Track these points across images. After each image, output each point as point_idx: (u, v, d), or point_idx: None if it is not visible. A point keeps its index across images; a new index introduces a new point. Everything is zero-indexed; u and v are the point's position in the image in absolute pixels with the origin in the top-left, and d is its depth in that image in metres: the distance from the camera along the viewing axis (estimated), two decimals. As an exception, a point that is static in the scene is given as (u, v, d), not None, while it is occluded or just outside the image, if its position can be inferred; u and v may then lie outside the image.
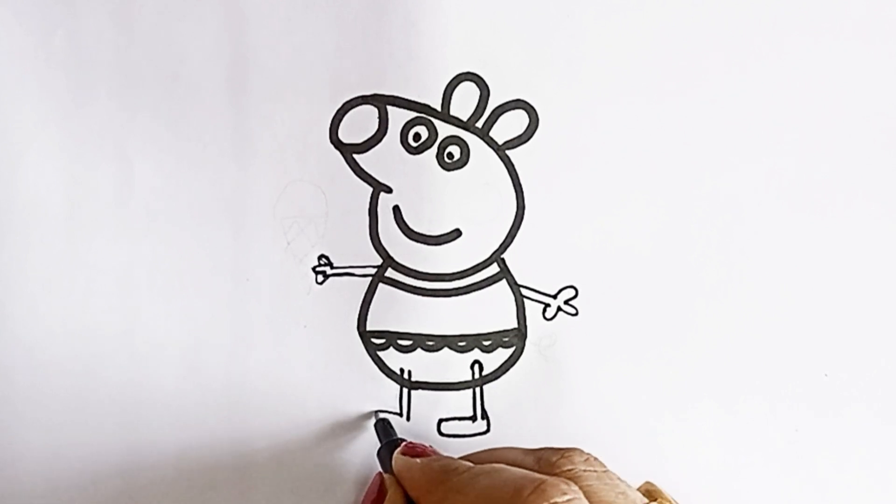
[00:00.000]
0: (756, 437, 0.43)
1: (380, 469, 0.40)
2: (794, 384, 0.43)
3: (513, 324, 0.43)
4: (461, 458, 0.38)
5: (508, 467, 0.34)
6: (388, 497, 0.38)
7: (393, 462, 0.39)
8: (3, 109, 0.41)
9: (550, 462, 0.36)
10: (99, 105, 0.42)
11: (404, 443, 0.39)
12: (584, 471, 0.35)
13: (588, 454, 0.36)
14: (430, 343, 0.42)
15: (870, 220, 0.43)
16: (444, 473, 0.35)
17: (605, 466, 0.36)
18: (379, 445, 0.41)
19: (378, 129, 0.42)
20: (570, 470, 0.35)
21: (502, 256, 0.43)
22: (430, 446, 0.39)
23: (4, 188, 0.42)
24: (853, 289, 0.43)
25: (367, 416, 0.42)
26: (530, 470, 0.34)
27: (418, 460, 0.37)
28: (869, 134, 0.43)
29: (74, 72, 0.41)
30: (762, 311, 0.43)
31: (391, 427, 0.41)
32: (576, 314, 0.43)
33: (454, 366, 0.43)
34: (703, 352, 0.43)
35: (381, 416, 0.42)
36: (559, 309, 0.43)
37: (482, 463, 0.36)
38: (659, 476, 0.39)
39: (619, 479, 0.35)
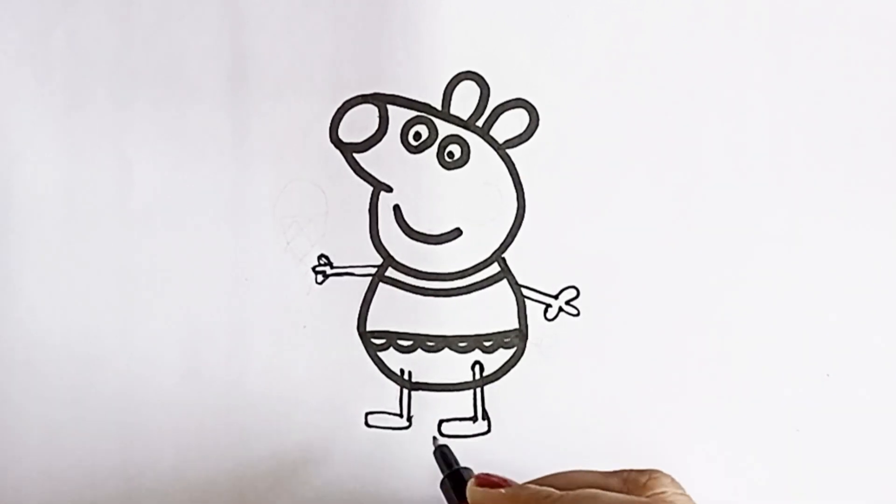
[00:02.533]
0: (757, 437, 0.43)
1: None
2: (795, 384, 0.43)
3: (514, 324, 0.43)
4: (532, 482, 0.37)
5: (605, 493, 0.34)
6: None
7: (469, 495, 0.37)
8: (2, 108, 0.41)
9: (639, 483, 0.35)
10: (98, 104, 0.42)
11: (477, 475, 0.38)
12: (676, 493, 0.35)
13: (670, 475, 0.36)
14: (431, 343, 0.42)
15: (871, 220, 0.43)
16: (537, 502, 0.35)
17: (684, 489, 0.36)
18: (441, 476, 0.40)
19: (378, 129, 0.42)
20: (662, 493, 0.35)
21: (503, 256, 0.42)
22: (504, 477, 0.38)
23: (3, 188, 0.41)
24: (855, 289, 0.43)
25: (366, 416, 0.42)
26: (617, 492, 0.34)
27: (502, 490, 0.36)
28: (871, 135, 0.43)
29: (73, 71, 0.42)
30: (764, 311, 0.43)
31: (452, 454, 0.40)
32: (577, 315, 0.43)
33: (455, 366, 0.42)
34: (705, 352, 0.43)
35: (441, 443, 0.41)
36: (560, 309, 0.43)
37: (559, 487, 0.35)
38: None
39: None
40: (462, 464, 0.40)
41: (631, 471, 0.37)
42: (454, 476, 0.39)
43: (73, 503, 0.41)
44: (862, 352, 0.43)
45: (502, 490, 0.36)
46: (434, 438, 0.42)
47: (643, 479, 0.36)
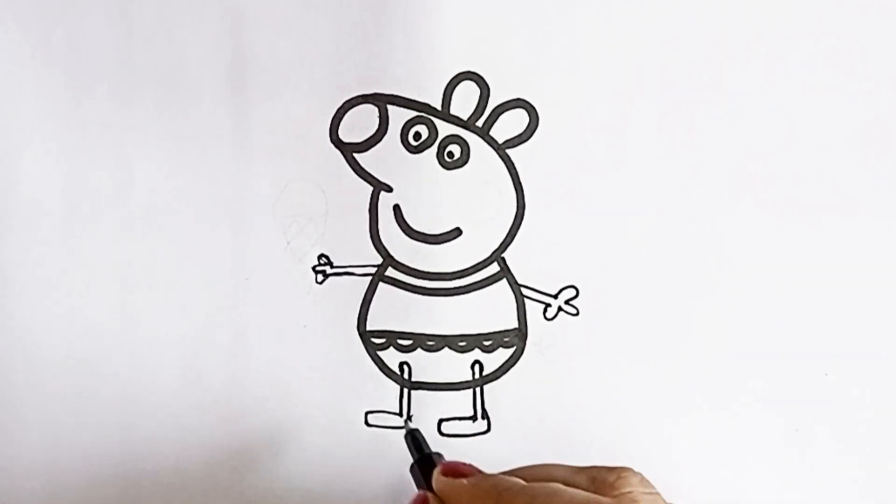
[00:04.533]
0: (756, 437, 0.43)
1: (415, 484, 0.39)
2: (794, 384, 0.43)
3: (513, 324, 0.43)
4: (505, 473, 0.36)
5: (567, 489, 0.34)
6: None
7: (435, 483, 0.37)
8: (1, 108, 0.41)
9: (607, 482, 0.35)
10: (98, 104, 0.42)
11: (443, 462, 0.38)
12: (643, 493, 0.34)
13: (640, 474, 0.35)
14: (431, 343, 0.42)
15: (870, 220, 0.43)
16: (497, 493, 0.34)
17: (654, 488, 0.35)
18: (412, 461, 0.40)
19: (378, 128, 0.42)
20: (629, 492, 0.34)
21: (502, 255, 0.43)
22: (471, 464, 0.37)
23: (3, 187, 0.41)
24: (854, 288, 0.43)
25: (366, 415, 0.42)
26: (584, 489, 0.34)
27: (465, 481, 0.36)
28: (869, 134, 0.43)
29: (73, 70, 0.42)
30: (762, 311, 0.43)
31: (423, 439, 0.40)
32: (577, 314, 0.43)
33: (454, 366, 0.42)
34: (704, 352, 0.43)
35: (412, 427, 0.41)
36: (560, 309, 0.43)
37: (527, 479, 0.35)
38: (659, 476, 0.39)
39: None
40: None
41: (600, 468, 0.36)
42: (423, 461, 0.39)
43: (73, 503, 0.41)
44: (861, 352, 0.43)
45: (464, 480, 0.36)
46: (405, 422, 0.42)
47: (611, 477, 0.35)
